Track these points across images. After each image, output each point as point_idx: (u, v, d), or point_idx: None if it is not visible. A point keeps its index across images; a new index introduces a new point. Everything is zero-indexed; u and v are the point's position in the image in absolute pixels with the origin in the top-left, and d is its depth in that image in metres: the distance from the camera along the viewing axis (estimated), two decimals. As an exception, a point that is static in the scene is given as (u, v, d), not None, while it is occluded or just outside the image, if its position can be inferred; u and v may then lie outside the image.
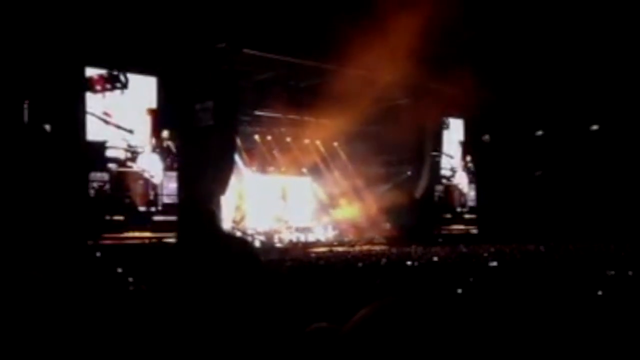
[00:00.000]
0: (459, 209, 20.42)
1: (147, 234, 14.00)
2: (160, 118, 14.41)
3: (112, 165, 14.11)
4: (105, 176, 13.76)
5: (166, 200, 14.79)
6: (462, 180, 20.73)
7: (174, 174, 14.76)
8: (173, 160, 14.79)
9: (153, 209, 14.60)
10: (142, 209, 14.44)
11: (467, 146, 20.07)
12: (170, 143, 14.82)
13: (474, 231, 19.83)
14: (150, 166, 14.67)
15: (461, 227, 19.97)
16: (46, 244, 9.99)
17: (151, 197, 14.66)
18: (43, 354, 1.24)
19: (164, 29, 12.17)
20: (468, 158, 20.47)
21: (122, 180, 14.22)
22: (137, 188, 14.44)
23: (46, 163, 10.92)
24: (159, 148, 14.75)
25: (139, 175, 14.54)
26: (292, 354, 1.73)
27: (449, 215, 19.83)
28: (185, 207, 13.85)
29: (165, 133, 14.81)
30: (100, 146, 13.55)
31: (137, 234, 13.88)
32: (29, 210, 10.68)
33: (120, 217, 13.77)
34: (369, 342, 1.09)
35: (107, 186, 13.72)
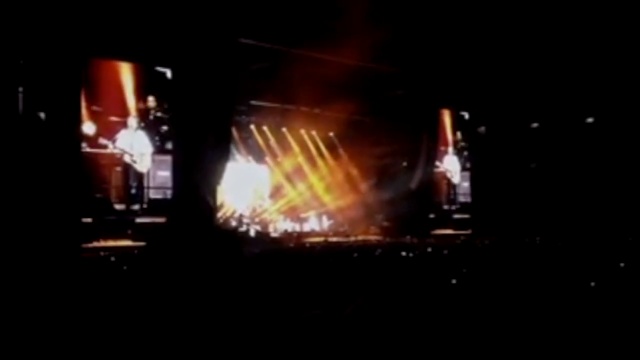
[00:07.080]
0: (446, 207, 16.23)
1: (126, 243, 10.11)
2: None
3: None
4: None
5: (154, 194, 11.03)
6: (452, 167, 16.34)
7: (166, 157, 10.91)
8: (164, 139, 11.01)
9: (136, 207, 10.79)
10: (119, 207, 10.62)
11: (457, 123, 16.77)
12: (160, 114, 11.06)
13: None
14: (134, 147, 10.88)
15: (449, 231, 15.88)
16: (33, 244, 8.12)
17: (133, 191, 10.84)
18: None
19: (162, 20, 10.50)
20: (459, 135, 16.55)
21: (92, 166, 10.35)
22: (114, 177, 10.71)
23: (40, 153, 9.15)
24: (145, 123, 10.95)
25: (117, 160, 10.76)
26: (287, 340, 2.01)
27: (432, 215, 15.72)
28: (180, 198, 10.26)
29: (151, 100, 11.02)
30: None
31: (111, 243, 9.92)
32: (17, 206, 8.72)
33: (88, 219, 9.84)
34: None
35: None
